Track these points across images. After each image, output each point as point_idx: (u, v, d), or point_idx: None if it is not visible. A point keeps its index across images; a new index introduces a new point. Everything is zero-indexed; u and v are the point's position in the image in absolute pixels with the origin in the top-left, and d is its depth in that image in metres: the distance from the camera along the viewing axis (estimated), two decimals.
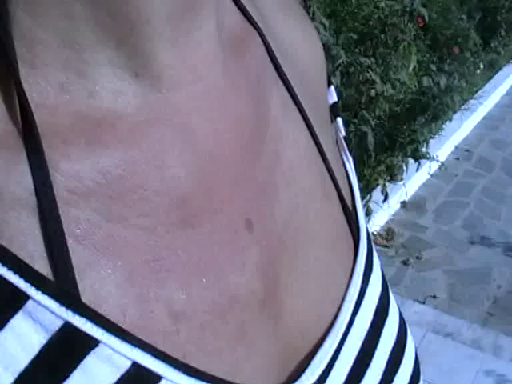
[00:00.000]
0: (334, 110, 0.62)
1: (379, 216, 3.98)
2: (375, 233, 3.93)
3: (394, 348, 0.54)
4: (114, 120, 0.38)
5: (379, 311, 0.53)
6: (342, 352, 0.48)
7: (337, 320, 0.48)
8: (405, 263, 3.73)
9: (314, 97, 0.57)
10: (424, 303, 3.40)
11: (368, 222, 3.82)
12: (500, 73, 6.36)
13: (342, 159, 0.59)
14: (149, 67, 0.39)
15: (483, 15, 6.25)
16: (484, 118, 5.55)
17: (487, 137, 5.27)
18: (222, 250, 0.42)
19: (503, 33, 6.43)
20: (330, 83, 0.62)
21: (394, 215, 4.16)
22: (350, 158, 0.60)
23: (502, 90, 6.09)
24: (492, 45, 6.32)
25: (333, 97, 0.62)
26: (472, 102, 5.31)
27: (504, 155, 4.99)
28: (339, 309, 0.49)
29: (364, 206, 3.83)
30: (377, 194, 3.96)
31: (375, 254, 0.57)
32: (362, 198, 3.93)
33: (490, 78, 6.15)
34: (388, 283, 0.58)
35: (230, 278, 0.42)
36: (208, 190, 0.42)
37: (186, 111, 0.41)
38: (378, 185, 4.01)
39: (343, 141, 0.60)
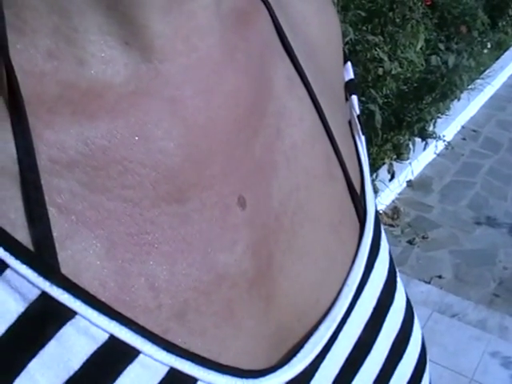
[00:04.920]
0: (350, 88, 0.60)
1: (385, 195, 3.97)
2: (381, 212, 3.92)
3: (397, 336, 0.52)
4: (102, 90, 0.37)
5: (384, 297, 0.52)
6: (339, 337, 0.47)
7: (335, 304, 0.47)
8: (410, 243, 3.72)
9: (325, 73, 0.55)
10: (430, 283, 3.40)
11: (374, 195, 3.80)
12: (507, 53, 6.31)
13: (354, 139, 0.58)
14: (139, 36, 0.38)
15: None
16: (491, 97, 5.51)
17: (494, 117, 5.24)
18: (210, 227, 0.41)
19: (511, 12, 6.37)
20: (346, 60, 0.60)
21: (400, 194, 4.15)
22: (363, 138, 0.58)
23: (509, 70, 6.05)
24: (500, 24, 6.27)
25: (349, 74, 0.60)
26: (479, 81, 5.28)
27: (511, 136, 4.97)
28: (339, 293, 0.48)
29: None
30: (383, 173, 3.95)
31: (383, 238, 0.55)
32: None
33: (498, 58, 6.10)
34: (396, 269, 0.56)
35: (217, 255, 0.41)
36: (198, 165, 0.41)
37: (177, 83, 0.40)
38: (384, 163, 4.00)
39: (357, 120, 0.58)
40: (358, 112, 0.59)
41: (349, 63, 0.60)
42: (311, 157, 0.48)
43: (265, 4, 0.50)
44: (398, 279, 0.56)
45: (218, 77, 0.42)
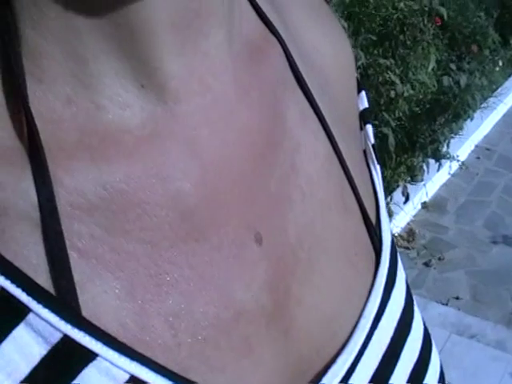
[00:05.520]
0: (365, 117, 0.60)
1: (400, 217, 3.96)
2: (396, 234, 3.90)
3: (415, 366, 0.52)
4: (120, 134, 0.38)
5: (401, 327, 0.51)
6: (356, 370, 0.46)
7: (352, 336, 0.47)
8: (427, 265, 3.71)
9: (338, 104, 0.55)
10: (447, 305, 3.38)
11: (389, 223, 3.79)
12: None
13: (369, 168, 0.58)
14: (154, 78, 0.39)
15: (501, 12, 6.20)
16: (504, 115, 5.48)
17: (508, 135, 5.20)
18: (228, 265, 0.41)
19: None
20: (361, 88, 0.60)
21: (414, 216, 4.13)
22: (378, 168, 0.58)
23: None
24: (511, 41, 6.25)
25: (363, 103, 0.60)
26: (492, 99, 5.27)
27: None
28: (356, 325, 0.48)
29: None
30: (397, 196, 3.94)
31: (400, 267, 0.55)
32: None
33: (510, 75, 6.09)
34: (413, 297, 0.56)
35: (235, 292, 0.41)
36: (214, 203, 0.41)
37: (193, 123, 0.41)
38: (398, 186, 4.00)
39: (371, 149, 0.58)
40: (372, 141, 0.59)
41: (363, 92, 0.60)
42: (326, 190, 0.49)
43: (276, 37, 0.49)
44: (415, 308, 0.55)
45: (233, 115, 0.43)
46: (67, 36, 0.36)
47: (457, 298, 3.45)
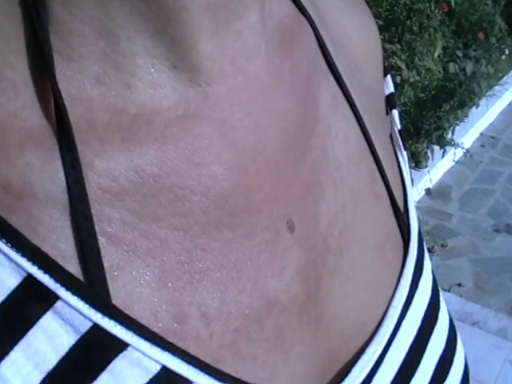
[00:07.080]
0: (390, 101, 0.59)
1: None
2: None
3: (441, 356, 0.51)
4: (151, 115, 0.37)
5: (428, 317, 0.51)
6: (385, 360, 0.46)
7: (381, 326, 0.46)
8: (430, 251, 3.70)
9: (367, 89, 0.54)
10: (449, 291, 3.38)
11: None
12: None
13: (396, 154, 0.56)
14: (187, 58, 0.37)
15: (508, 1, 6.17)
16: (509, 104, 5.47)
17: None
18: (260, 252, 0.40)
19: None
20: (386, 73, 0.59)
21: (418, 202, 4.13)
22: (405, 154, 0.57)
23: None
24: None
25: (389, 87, 0.59)
26: (497, 88, 5.25)
27: None
28: (385, 314, 0.47)
29: None
30: None
31: (426, 257, 0.54)
32: None
33: None
34: (438, 287, 0.55)
35: (268, 281, 0.40)
36: (248, 189, 0.40)
37: (225, 106, 0.39)
38: None
39: (398, 135, 0.57)
40: (399, 127, 0.58)
41: (388, 76, 0.60)
42: (357, 177, 0.48)
43: (308, 21, 0.48)
44: (441, 298, 0.55)
45: (266, 98, 0.42)
46: (99, 14, 0.35)
47: (459, 285, 3.45)
